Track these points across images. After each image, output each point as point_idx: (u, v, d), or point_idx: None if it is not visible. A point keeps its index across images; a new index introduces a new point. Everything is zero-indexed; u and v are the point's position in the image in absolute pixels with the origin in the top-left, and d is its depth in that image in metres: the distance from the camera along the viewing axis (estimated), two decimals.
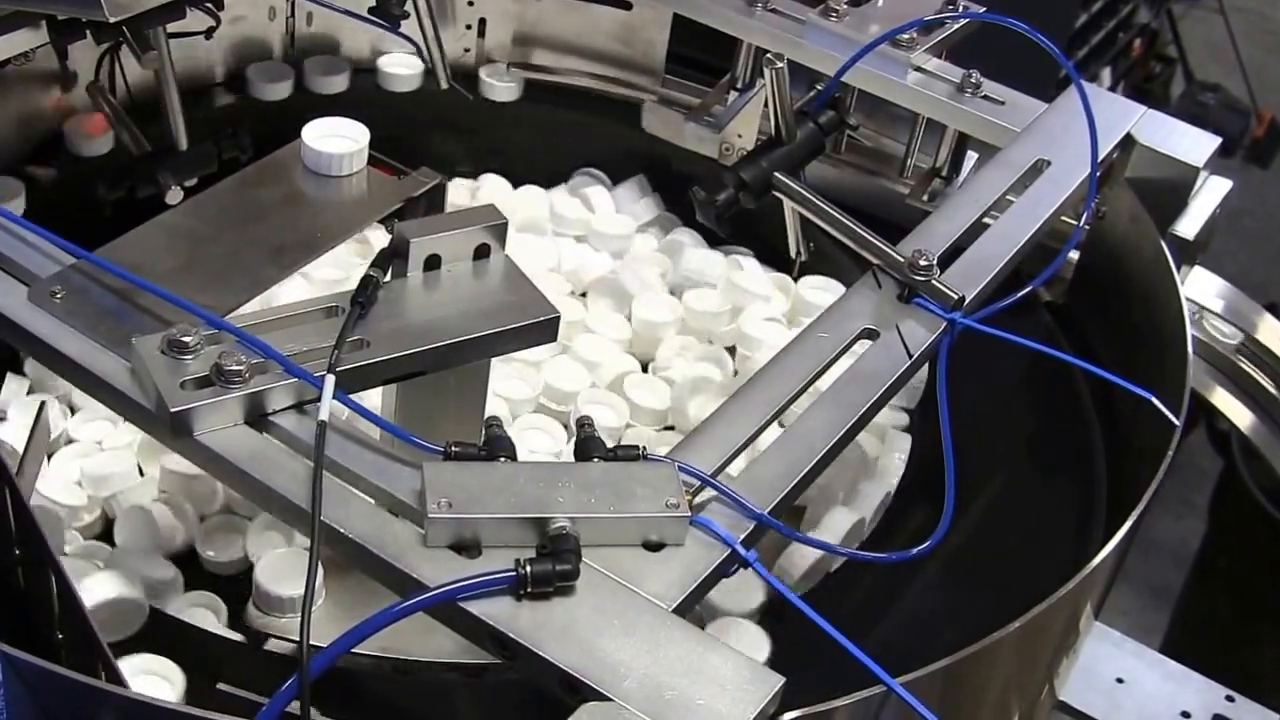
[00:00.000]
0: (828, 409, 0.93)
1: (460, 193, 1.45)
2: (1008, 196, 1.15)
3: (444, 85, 1.36)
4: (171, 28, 1.15)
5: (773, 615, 1.02)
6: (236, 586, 1.00)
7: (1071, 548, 1.10)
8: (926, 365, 1.03)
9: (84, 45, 1.14)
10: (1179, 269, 1.19)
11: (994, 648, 0.83)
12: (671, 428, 1.25)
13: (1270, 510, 1.98)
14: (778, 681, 0.72)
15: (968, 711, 0.91)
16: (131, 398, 0.85)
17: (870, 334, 1.00)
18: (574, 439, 0.88)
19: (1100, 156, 1.17)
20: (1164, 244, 1.20)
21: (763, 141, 1.20)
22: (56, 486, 1.07)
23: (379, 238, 1.28)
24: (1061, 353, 1.11)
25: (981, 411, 1.17)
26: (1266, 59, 3.88)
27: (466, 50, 1.57)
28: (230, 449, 0.82)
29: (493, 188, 1.48)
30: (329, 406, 0.81)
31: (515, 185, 1.49)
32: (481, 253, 0.97)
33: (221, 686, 0.73)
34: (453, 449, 0.81)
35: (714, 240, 1.44)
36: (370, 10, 1.30)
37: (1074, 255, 1.29)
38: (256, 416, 0.84)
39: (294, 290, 1.22)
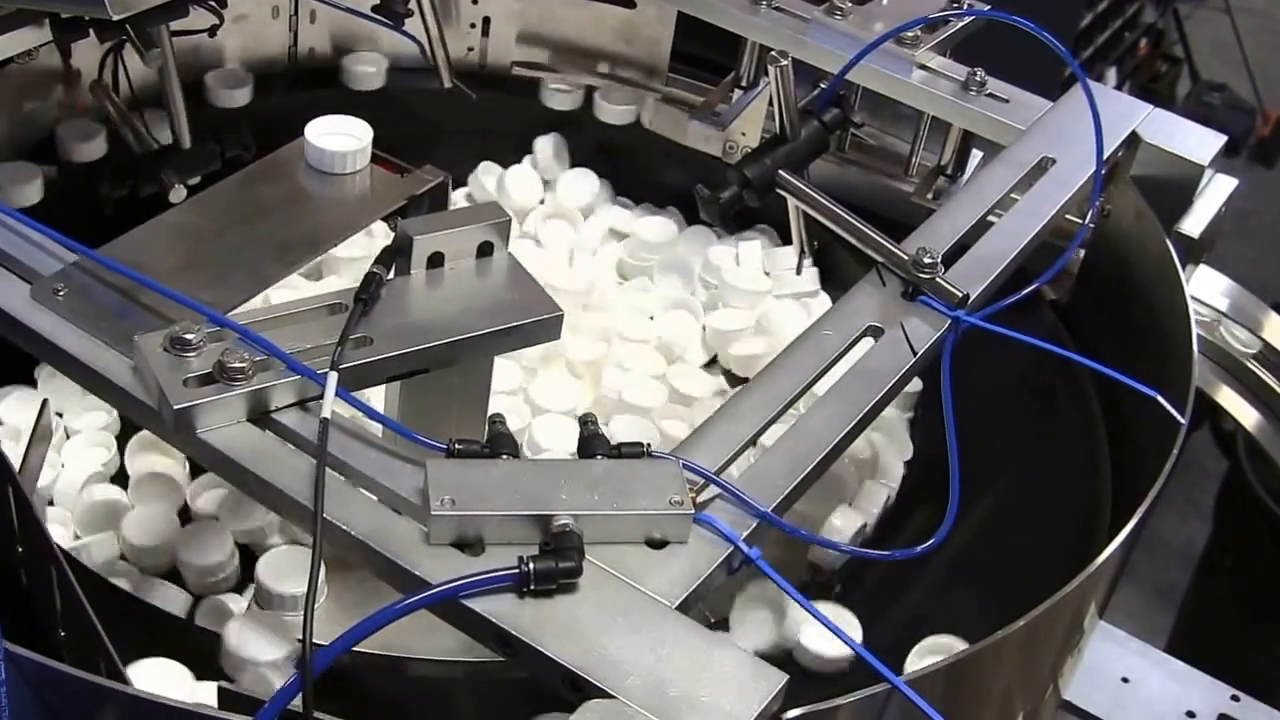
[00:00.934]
0: (832, 407, 0.93)
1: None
2: (1012, 194, 1.15)
3: (446, 84, 1.36)
4: (175, 25, 1.15)
5: None
6: None
7: (1076, 546, 1.09)
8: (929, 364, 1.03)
9: (87, 43, 1.14)
10: (1184, 268, 1.19)
11: (998, 646, 0.83)
12: None
13: (1275, 510, 1.98)
14: (781, 679, 0.72)
15: (972, 710, 0.90)
16: (134, 395, 0.85)
17: (874, 332, 0.99)
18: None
19: (1105, 154, 1.17)
20: (1169, 242, 1.20)
21: (767, 139, 1.20)
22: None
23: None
24: (1066, 351, 1.11)
25: (985, 410, 1.17)
26: (1272, 59, 3.87)
27: (470, 49, 1.57)
28: (233, 446, 0.82)
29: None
30: (332, 404, 0.81)
31: None
32: (484, 250, 0.97)
33: (223, 684, 0.73)
34: (456, 446, 0.81)
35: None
36: (374, 8, 1.30)
37: (1079, 253, 1.29)
38: (259, 414, 0.83)
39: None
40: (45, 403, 0.99)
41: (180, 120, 1.19)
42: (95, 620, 0.75)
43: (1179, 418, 1.02)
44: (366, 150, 1.10)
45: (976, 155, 1.36)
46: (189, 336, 0.84)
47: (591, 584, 0.75)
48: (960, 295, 1.01)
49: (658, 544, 0.79)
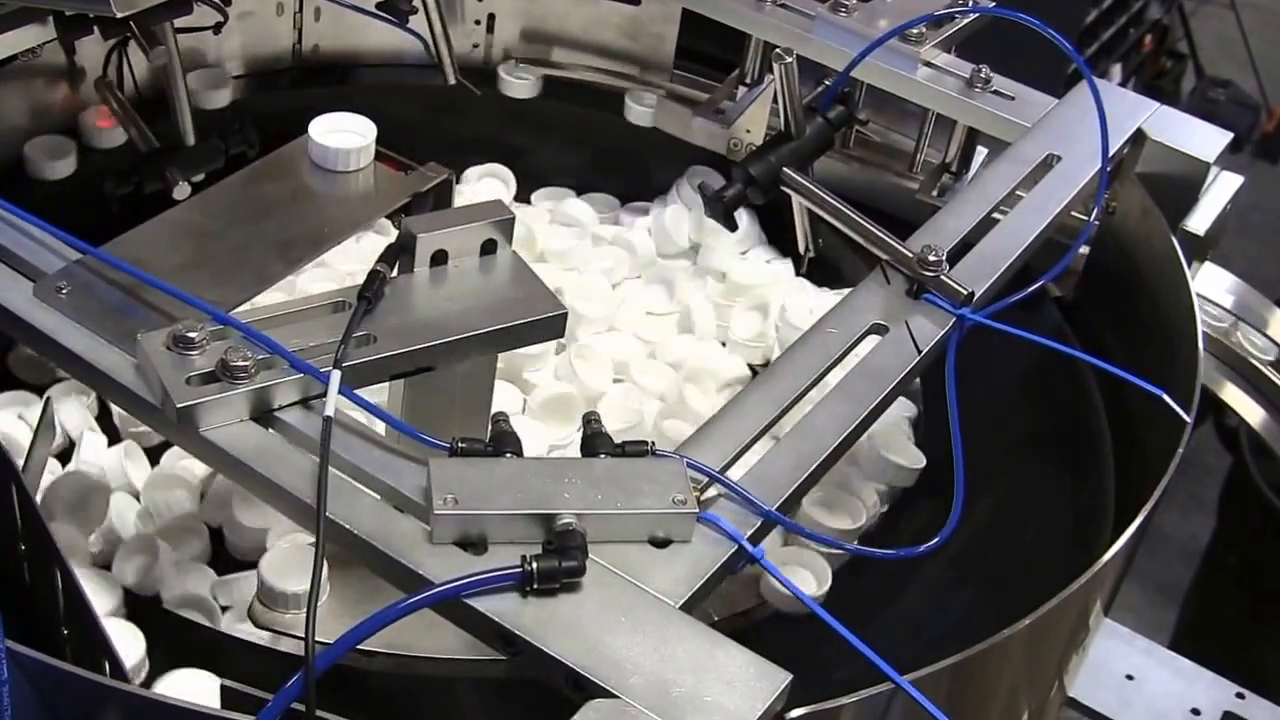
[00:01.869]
0: (836, 405, 0.93)
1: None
2: (1017, 192, 1.15)
3: (451, 81, 1.36)
4: (179, 23, 1.15)
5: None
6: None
7: (1080, 544, 1.09)
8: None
9: (92, 40, 1.14)
10: (1189, 264, 1.19)
11: (1003, 645, 0.83)
12: None
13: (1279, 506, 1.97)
14: (785, 678, 0.72)
15: (977, 709, 0.90)
16: (137, 393, 0.85)
17: (879, 329, 0.99)
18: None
19: (1111, 152, 1.17)
20: (1174, 239, 1.20)
21: (771, 137, 1.20)
22: None
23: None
24: (1071, 348, 1.11)
25: (990, 407, 1.17)
26: (1277, 55, 3.87)
27: (475, 46, 1.56)
28: (236, 445, 0.82)
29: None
30: (335, 402, 0.81)
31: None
32: (488, 248, 0.96)
33: (225, 683, 0.73)
34: (459, 445, 0.81)
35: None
36: (378, 6, 1.30)
37: (1084, 250, 1.29)
38: (262, 412, 0.83)
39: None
40: (48, 401, 0.99)
41: (184, 118, 1.19)
42: (98, 619, 0.75)
43: (1184, 416, 1.02)
44: (370, 147, 1.10)
45: (981, 152, 1.36)
46: (192, 334, 0.84)
47: (595, 583, 0.75)
48: (965, 293, 1.01)
49: (661, 543, 0.79)
